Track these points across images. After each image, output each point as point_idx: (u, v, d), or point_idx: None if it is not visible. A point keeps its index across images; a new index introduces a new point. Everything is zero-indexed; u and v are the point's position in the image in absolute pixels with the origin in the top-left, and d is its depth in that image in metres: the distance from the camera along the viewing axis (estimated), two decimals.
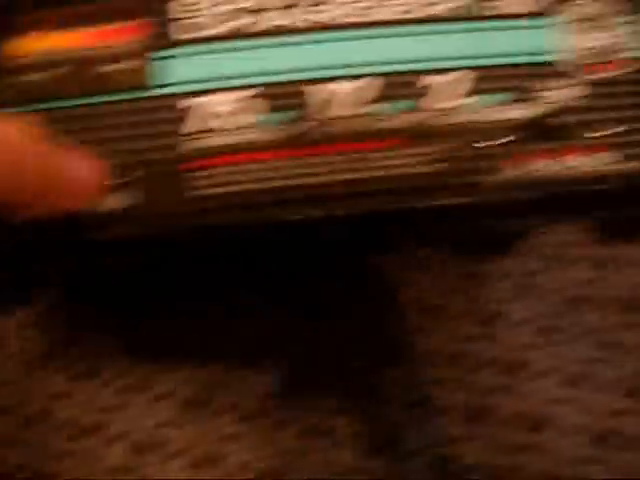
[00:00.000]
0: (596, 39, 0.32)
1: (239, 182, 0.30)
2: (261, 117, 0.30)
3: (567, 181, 0.31)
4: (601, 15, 0.32)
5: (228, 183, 0.30)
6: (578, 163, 0.31)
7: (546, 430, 0.40)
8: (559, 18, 0.32)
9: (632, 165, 0.31)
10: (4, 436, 0.40)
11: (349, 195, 0.30)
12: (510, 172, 0.30)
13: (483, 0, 0.32)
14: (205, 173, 0.30)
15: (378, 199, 0.30)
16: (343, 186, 0.30)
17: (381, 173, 0.30)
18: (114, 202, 0.29)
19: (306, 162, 0.30)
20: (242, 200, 0.30)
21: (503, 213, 0.32)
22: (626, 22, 0.32)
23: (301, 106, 0.31)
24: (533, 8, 0.33)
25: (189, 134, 0.30)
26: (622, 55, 0.32)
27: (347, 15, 0.32)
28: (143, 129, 0.30)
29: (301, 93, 0.31)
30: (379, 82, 0.31)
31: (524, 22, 0.32)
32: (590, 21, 0.32)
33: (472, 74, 0.31)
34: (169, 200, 0.30)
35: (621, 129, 0.31)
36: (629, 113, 0.31)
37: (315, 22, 0.31)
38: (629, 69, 0.32)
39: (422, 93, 0.31)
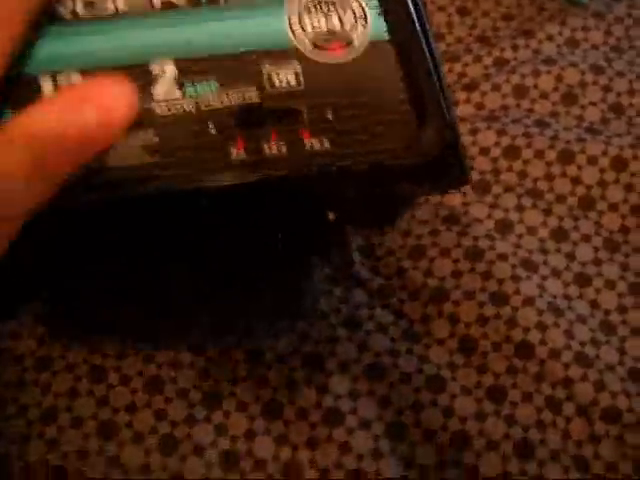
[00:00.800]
0: (325, 22, 0.33)
1: None
2: None
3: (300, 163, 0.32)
4: (333, 1, 0.33)
5: None
6: (308, 145, 0.31)
7: None
8: (288, 4, 0.33)
9: (335, 150, 0.32)
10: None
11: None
12: (241, 155, 0.31)
13: None
14: None
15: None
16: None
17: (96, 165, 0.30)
18: None
19: None
20: None
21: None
22: (364, 5, 0.33)
23: None
24: None
25: None
26: (347, 40, 0.33)
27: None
28: None
29: None
30: None
31: (252, 11, 0.33)
32: (320, 5, 0.33)
33: (191, 63, 0.32)
34: None
35: (329, 116, 0.32)
36: (341, 100, 0.32)
37: None
38: (353, 54, 0.33)
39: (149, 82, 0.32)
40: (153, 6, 0.33)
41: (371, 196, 0.36)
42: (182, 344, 0.43)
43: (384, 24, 0.33)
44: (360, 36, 0.33)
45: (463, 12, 0.53)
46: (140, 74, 0.32)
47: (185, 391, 0.42)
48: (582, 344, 0.42)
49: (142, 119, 0.31)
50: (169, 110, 0.31)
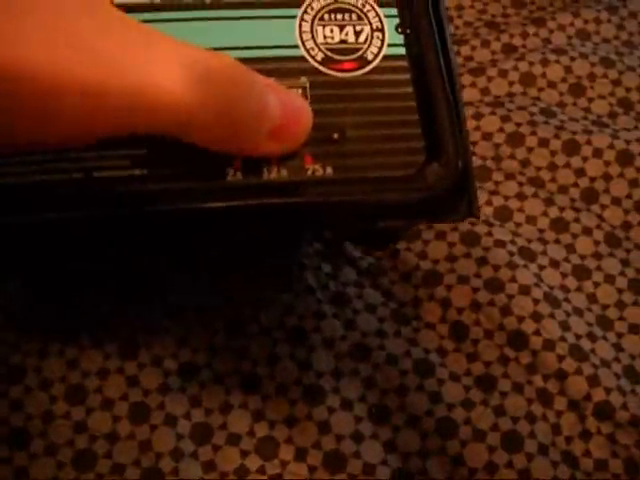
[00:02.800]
0: (338, 33, 0.30)
1: None
2: None
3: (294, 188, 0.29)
4: (350, 8, 0.31)
5: None
6: (310, 170, 0.29)
7: None
8: (300, 10, 0.30)
9: (338, 177, 0.29)
10: None
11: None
12: (238, 177, 0.28)
13: None
14: None
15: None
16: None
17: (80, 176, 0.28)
18: None
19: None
20: None
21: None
22: (382, 16, 0.31)
23: None
24: None
25: None
26: (360, 53, 0.30)
27: None
28: None
29: None
30: None
31: (261, 12, 0.30)
32: (334, 13, 0.31)
33: None
34: None
35: (335, 136, 0.29)
36: (348, 120, 0.29)
37: None
38: (365, 69, 0.30)
39: None
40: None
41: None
42: (159, 310, 0.41)
43: (401, 38, 0.31)
44: (375, 50, 0.30)
45: None
46: None
47: (159, 359, 0.40)
48: (578, 337, 0.41)
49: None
50: None
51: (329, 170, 0.29)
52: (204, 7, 0.30)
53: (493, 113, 0.47)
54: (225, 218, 0.29)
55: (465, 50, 0.49)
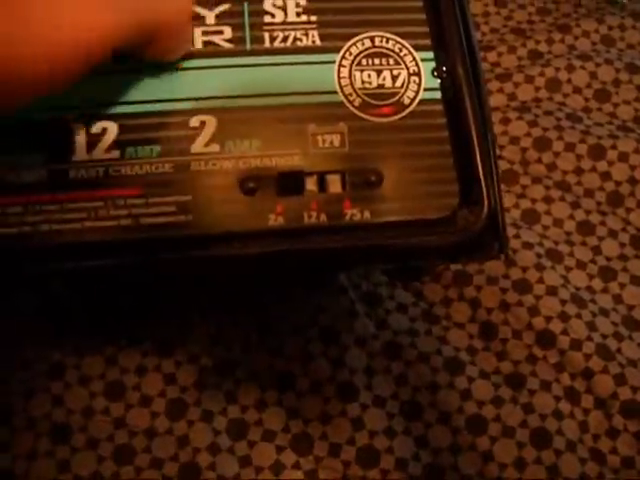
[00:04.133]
0: (376, 78, 0.31)
1: None
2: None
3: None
4: (387, 52, 0.31)
5: None
6: (348, 215, 0.29)
7: None
8: (339, 55, 0.31)
9: (375, 221, 0.30)
10: None
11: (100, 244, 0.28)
12: (279, 222, 0.29)
13: (258, 30, 0.31)
14: None
15: (129, 249, 0.29)
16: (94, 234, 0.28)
17: (128, 222, 0.29)
18: None
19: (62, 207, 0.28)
20: None
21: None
22: (418, 60, 0.31)
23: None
24: (309, 43, 0.31)
25: None
26: (397, 98, 0.31)
27: None
28: None
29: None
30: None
31: (300, 58, 0.31)
32: (372, 58, 0.31)
33: (232, 114, 0.30)
34: None
35: (373, 180, 0.30)
36: (385, 164, 0.30)
37: None
38: (402, 114, 0.31)
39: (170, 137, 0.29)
40: (193, 47, 0.31)
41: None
42: (193, 311, 0.42)
43: (437, 82, 0.31)
44: (411, 94, 0.31)
45: (499, 3, 0.53)
46: (177, 126, 0.30)
47: (195, 356, 0.41)
48: (604, 337, 0.41)
49: (177, 174, 0.29)
50: (205, 165, 0.29)
51: (367, 214, 0.29)
52: (244, 54, 0.31)
53: (520, 118, 0.48)
54: (267, 262, 0.30)
55: (492, 56, 0.50)
